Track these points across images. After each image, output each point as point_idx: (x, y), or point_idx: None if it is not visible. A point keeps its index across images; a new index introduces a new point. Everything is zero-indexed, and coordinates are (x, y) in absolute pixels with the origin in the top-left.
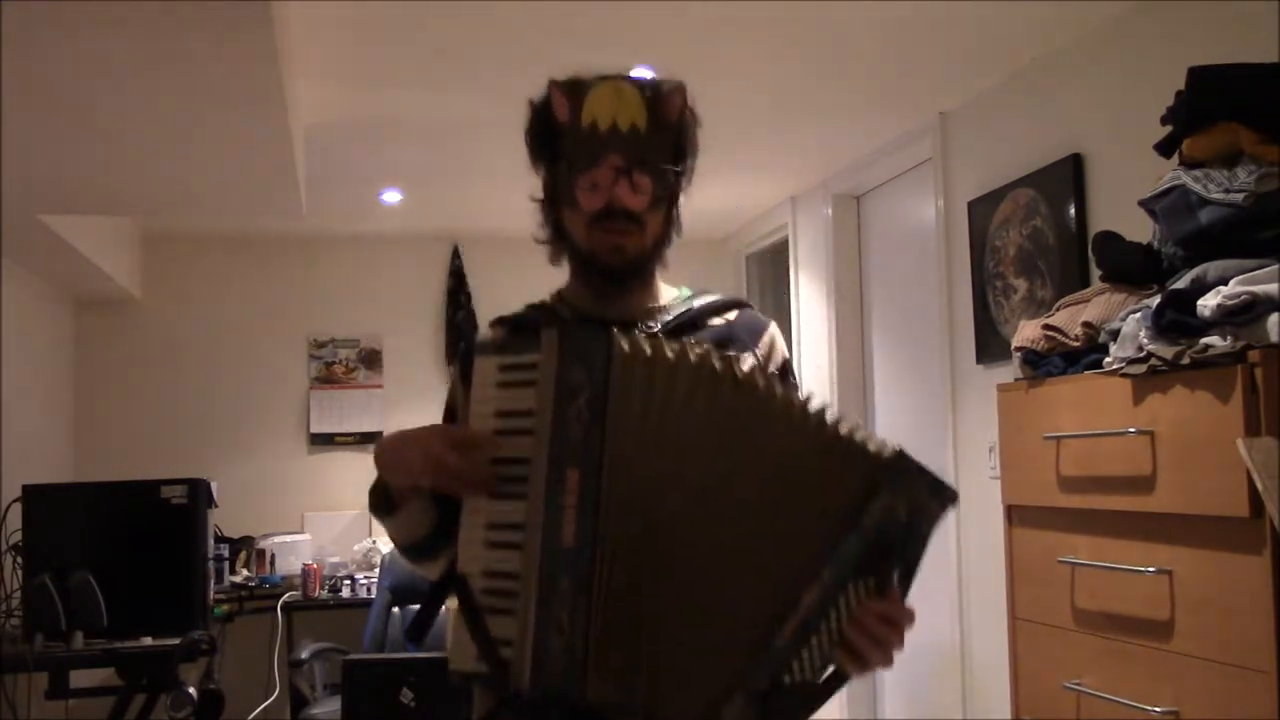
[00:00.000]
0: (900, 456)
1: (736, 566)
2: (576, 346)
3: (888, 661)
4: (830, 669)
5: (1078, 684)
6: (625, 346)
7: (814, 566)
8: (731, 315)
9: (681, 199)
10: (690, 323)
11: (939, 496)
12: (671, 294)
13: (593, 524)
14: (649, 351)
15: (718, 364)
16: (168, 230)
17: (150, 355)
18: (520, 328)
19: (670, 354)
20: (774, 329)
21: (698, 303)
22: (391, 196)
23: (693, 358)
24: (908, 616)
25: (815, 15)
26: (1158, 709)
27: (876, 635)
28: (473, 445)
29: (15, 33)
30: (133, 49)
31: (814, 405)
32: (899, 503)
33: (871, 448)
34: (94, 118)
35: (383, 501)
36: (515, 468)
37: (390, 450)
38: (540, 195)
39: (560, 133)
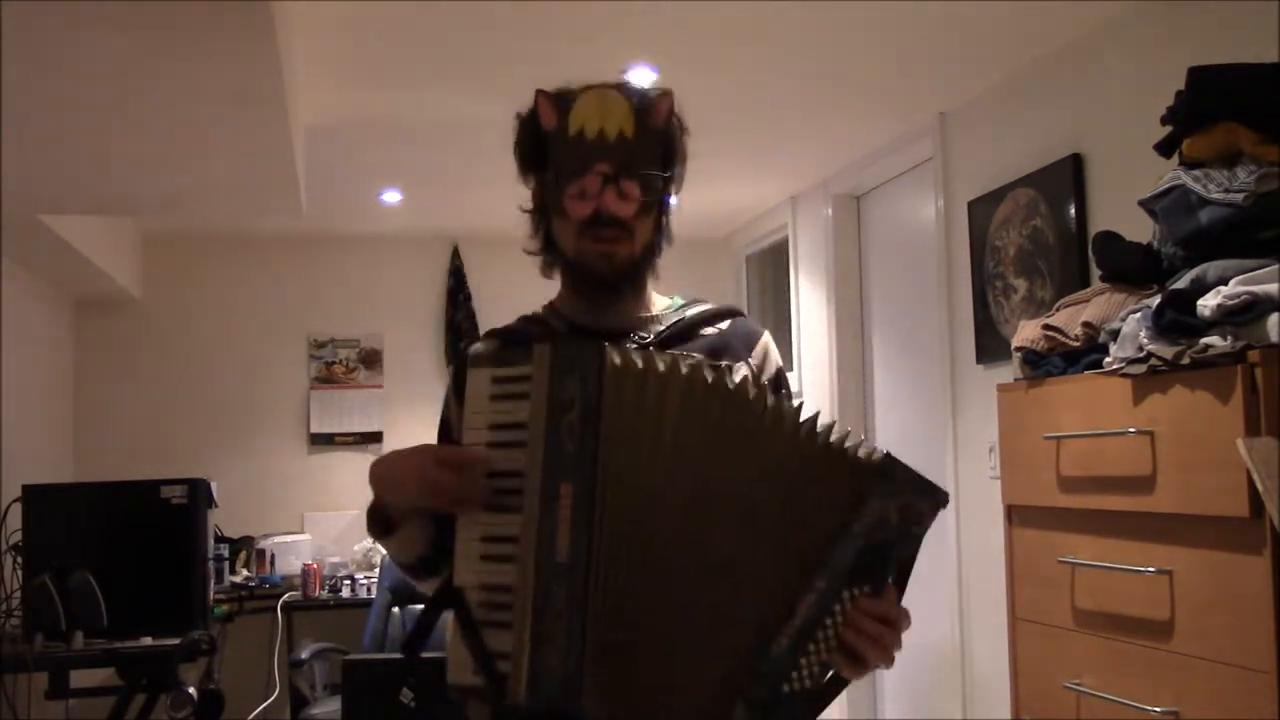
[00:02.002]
0: (889, 461)
1: (731, 579)
2: (567, 360)
3: (888, 661)
4: (830, 674)
5: (1078, 684)
6: (617, 360)
7: (808, 575)
8: (724, 324)
9: (672, 206)
10: (683, 332)
11: (929, 498)
12: (664, 303)
13: (587, 537)
14: (640, 365)
15: (709, 376)
16: (168, 230)
17: (150, 355)
18: (512, 340)
19: (662, 367)
20: (767, 338)
21: (690, 312)
22: (391, 196)
23: (684, 370)
24: (904, 616)
25: (815, 16)
26: (1158, 709)
27: (875, 637)
28: (466, 464)
29: (15, 33)
30: (133, 49)
31: (805, 415)
32: (890, 507)
33: (861, 454)
34: (94, 118)
35: (381, 522)
36: (511, 480)
37: (384, 472)
38: (530, 206)
39: (548, 142)
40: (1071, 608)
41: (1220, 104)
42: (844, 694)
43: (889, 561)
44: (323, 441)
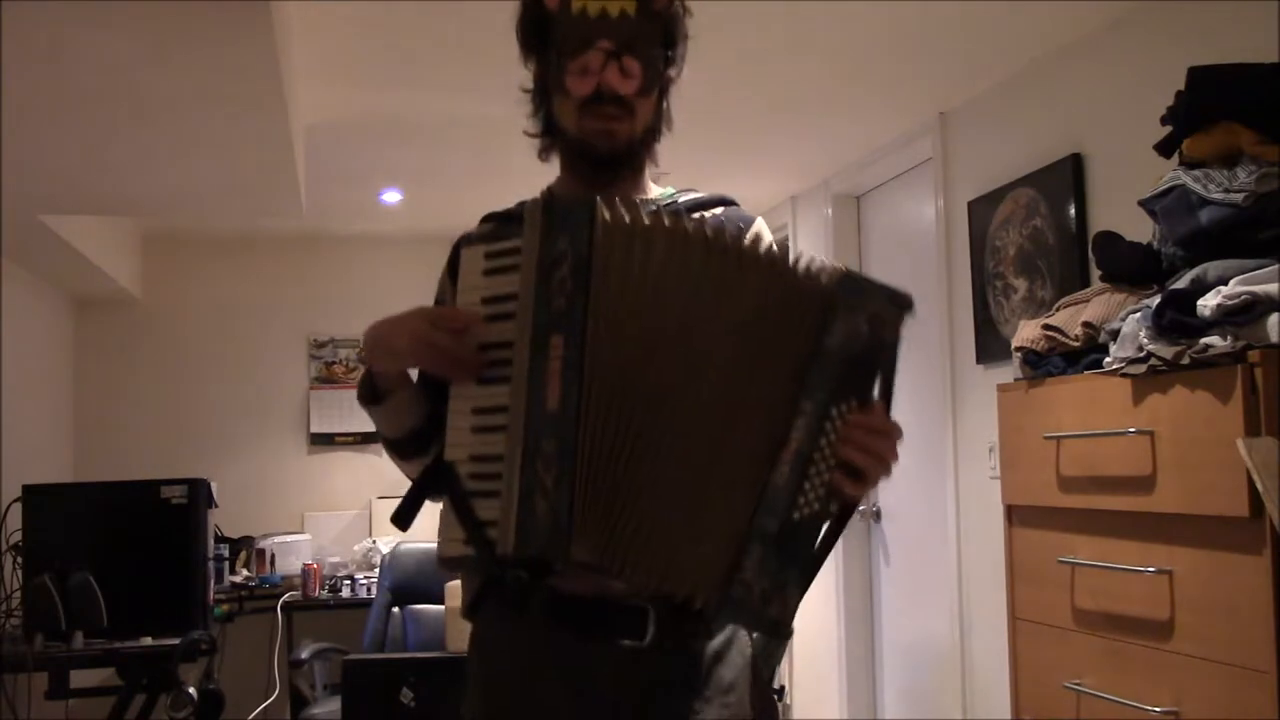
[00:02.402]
0: (848, 275)
1: (722, 418)
2: (560, 216)
3: (886, 472)
4: (835, 499)
5: (1078, 684)
6: (607, 215)
7: (793, 400)
8: (718, 210)
9: (671, 90)
10: (675, 215)
11: (895, 303)
12: (659, 191)
13: (577, 386)
14: (628, 218)
15: (690, 227)
16: (168, 230)
17: (150, 355)
18: (507, 219)
19: (647, 220)
20: (760, 223)
21: (683, 199)
22: (391, 196)
23: (668, 222)
24: (895, 428)
25: (815, 15)
26: (1158, 709)
27: (869, 448)
28: (459, 323)
29: (15, 33)
30: (133, 49)
31: (781, 254)
32: (857, 318)
33: (824, 275)
34: (94, 118)
35: (370, 390)
36: (503, 351)
37: (377, 333)
38: (530, 87)
39: (550, 21)
40: (1071, 608)
41: (1220, 104)
42: (844, 694)
43: (870, 374)
44: (323, 441)
